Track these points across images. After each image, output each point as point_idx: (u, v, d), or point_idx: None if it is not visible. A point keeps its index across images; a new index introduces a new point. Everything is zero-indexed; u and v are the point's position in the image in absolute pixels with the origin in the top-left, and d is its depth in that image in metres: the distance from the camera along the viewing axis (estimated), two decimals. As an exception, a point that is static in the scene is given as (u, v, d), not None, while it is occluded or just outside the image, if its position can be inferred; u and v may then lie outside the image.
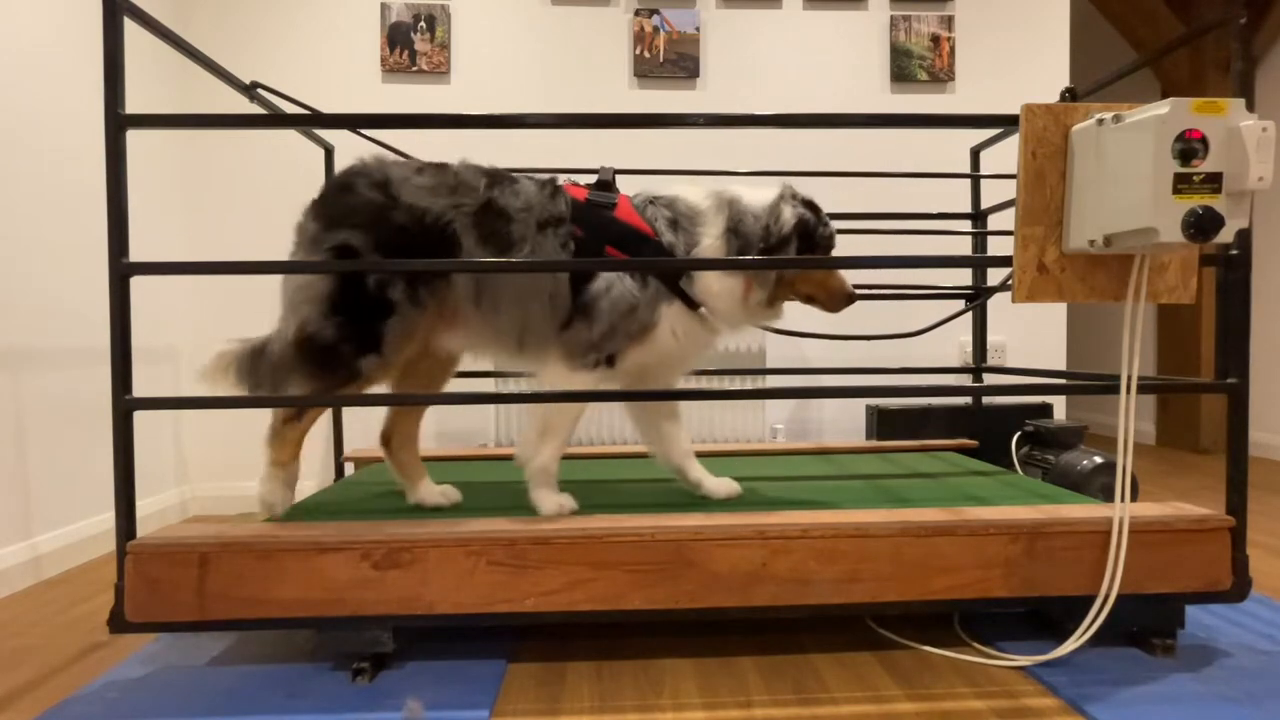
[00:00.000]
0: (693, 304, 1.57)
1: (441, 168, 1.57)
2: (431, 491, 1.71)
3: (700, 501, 1.69)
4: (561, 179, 1.63)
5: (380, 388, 1.61)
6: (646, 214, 1.58)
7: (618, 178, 1.64)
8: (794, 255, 1.55)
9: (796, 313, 2.72)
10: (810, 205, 1.59)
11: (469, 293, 1.53)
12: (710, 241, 1.56)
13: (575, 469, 2.15)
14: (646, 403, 1.72)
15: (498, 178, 1.57)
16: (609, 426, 2.75)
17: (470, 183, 1.54)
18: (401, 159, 1.63)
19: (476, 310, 1.55)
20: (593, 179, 1.64)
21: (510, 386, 2.66)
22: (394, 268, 1.47)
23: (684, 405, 1.78)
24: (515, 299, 1.54)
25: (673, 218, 1.58)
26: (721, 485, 1.73)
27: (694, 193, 1.62)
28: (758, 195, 1.60)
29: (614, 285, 1.53)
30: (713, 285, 1.55)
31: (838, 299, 1.59)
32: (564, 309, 1.54)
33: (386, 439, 1.73)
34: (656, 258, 1.55)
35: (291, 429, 1.56)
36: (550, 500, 1.56)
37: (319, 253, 1.50)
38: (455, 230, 1.51)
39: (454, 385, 1.80)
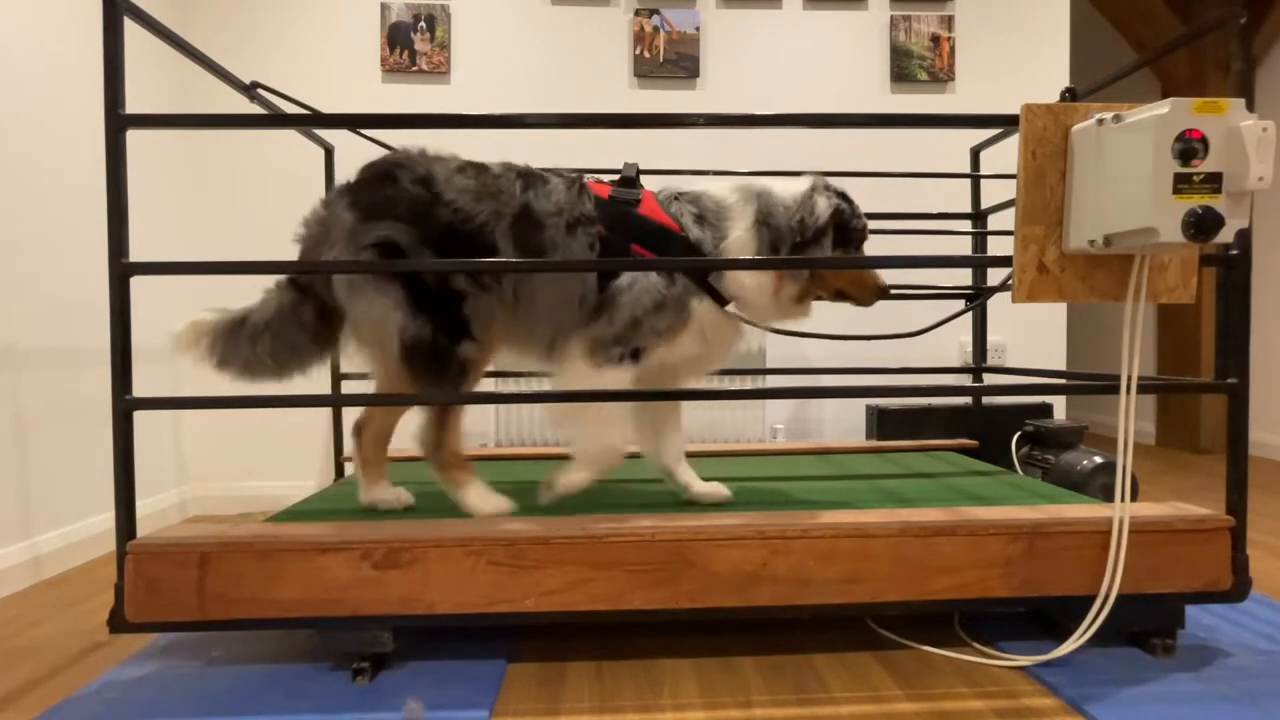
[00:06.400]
0: (722, 300, 1.54)
1: (481, 169, 1.54)
2: (386, 493, 1.70)
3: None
4: (586, 177, 1.61)
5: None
6: (671, 210, 1.55)
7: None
8: (829, 248, 1.52)
9: (796, 313, 2.75)
10: (844, 196, 1.56)
11: (506, 298, 1.52)
12: (739, 234, 1.52)
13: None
14: (653, 407, 1.68)
15: (531, 179, 1.54)
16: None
17: (507, 189, 1.51)
18: (437, 155, 1.58)
19: (513, 316, 1.53)
20: (613, 177, 1.62)
21: (510, 386, 2.66)
22: (402, 268, 1.46)
23: (684, 405, 1.77)
24: (548, 304, 1.52)
25: (699, 213, 1.55)
26: (711, 490, 1.69)
27: (719, 187, 1.59)
28: (789, 187, 1.57)
29: (638, 279, 1.50)
30: (744, 280, 1.52)
31: (870, 293, 1.57)
32: (591, 310, 1.52)
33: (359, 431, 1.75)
34: (681, 257, 1.51)
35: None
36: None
37: (357, 246, 1.45)
38: (495, 238, 1.49)
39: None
